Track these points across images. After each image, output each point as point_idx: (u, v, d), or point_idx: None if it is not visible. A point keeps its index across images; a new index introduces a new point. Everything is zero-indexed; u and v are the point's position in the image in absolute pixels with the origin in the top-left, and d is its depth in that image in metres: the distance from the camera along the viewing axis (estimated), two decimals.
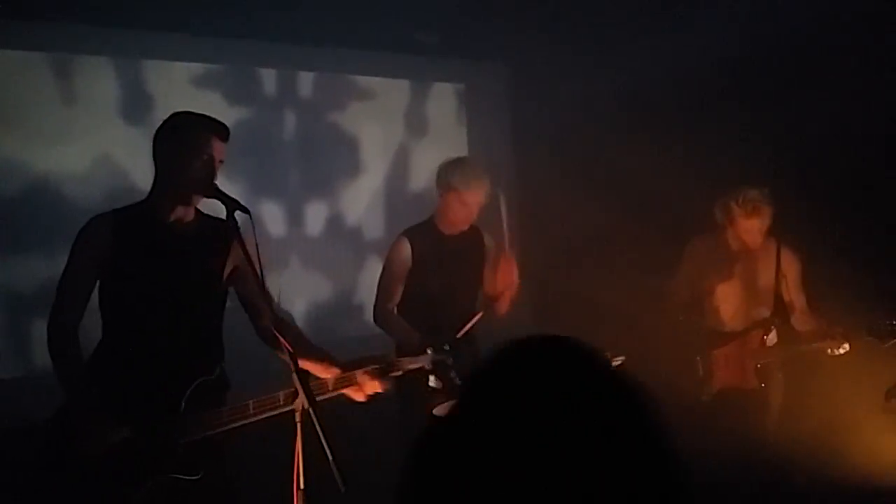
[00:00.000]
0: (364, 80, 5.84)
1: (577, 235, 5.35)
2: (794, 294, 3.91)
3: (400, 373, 2.84)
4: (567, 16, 5.09)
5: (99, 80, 4.89)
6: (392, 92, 5.98)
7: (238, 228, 2.49)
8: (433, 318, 3.58)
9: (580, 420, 0.89)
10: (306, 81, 5.65)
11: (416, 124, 6.05)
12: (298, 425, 2.18)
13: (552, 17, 5.12)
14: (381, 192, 5.88)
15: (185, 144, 2.65)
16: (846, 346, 3.66)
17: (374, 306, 3.73)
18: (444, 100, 6.23)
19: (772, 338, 3.86)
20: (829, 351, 3.69)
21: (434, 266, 3.71)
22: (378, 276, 3.80)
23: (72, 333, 2.62)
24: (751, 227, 3.81)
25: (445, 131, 6.14)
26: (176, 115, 2.75)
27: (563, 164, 5.48)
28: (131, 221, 2.69)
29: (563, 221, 5.52)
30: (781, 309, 3.87)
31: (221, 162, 2.68)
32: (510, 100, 6.39)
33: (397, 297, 3.73)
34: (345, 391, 2.70)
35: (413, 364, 2.89)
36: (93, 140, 4.83)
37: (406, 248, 3.70)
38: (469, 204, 3.67)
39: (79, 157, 4.80)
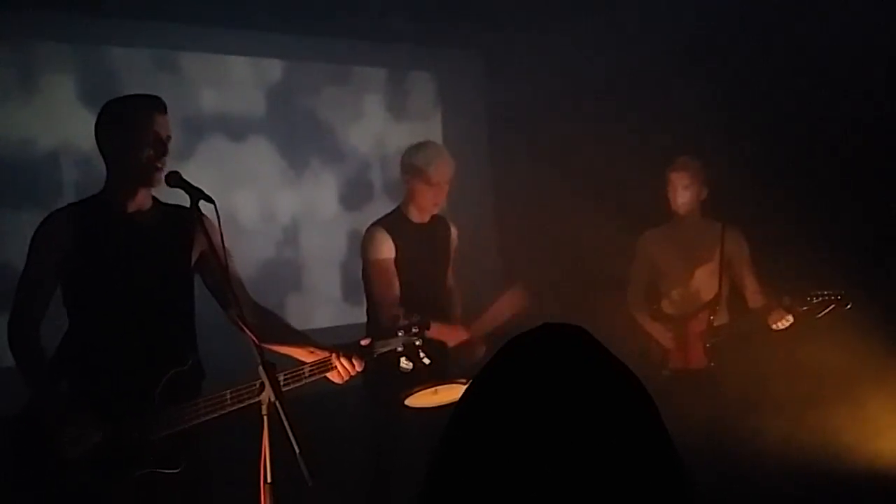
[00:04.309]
0: (339, 69, 5.77)
1: (552, 222, 5.34)
2: (742, 274, 3.98)
3: (374, 355, 2.83)
4: (541, 3, 5.07)
5: (62, 67, 4.76)
6: (367, 80, 5.92)
7: (201, 218, 2.45)
8: (408, 307, 3.51)
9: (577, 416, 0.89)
10: (279, 69, 5.58)
11: (391, 112, 6.00)
12: (265, 418, 2.16)
13: (526, 4, 5.09)
14: (355, 181, 5.83)
15: (126, 128, 2.62)
16: (789, 318, 3.70)
17: (367, 309, 3.71)
18: (419, 88, 6.18)
19: (720, 318, 3.91)
20: (773, 326, 3.73)
21: (409, 255, 3.68)
22: (359, 270, 3.76)
23: (34, 331, 2.59)
24: (675, 181, 4.00)
25: (421, 119, 6.10)
26: (110, 102, 2.72)
27: (538, 151, 5.47)
28: (89, 214, 2.65)
29: (538, 208, 5.51)
30: (726, 289, 3.95)
31: (169, 137, 2.65)
32: (485, 88, 6.36)
33: (397, 288, 3.62)
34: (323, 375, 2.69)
35: (386, 346, 2.87)
36: (55, 128, 4.72)
37: (387, 239, 3.66)
38: (435, 184, 3.64)
39: (41, 145, 4.69)
